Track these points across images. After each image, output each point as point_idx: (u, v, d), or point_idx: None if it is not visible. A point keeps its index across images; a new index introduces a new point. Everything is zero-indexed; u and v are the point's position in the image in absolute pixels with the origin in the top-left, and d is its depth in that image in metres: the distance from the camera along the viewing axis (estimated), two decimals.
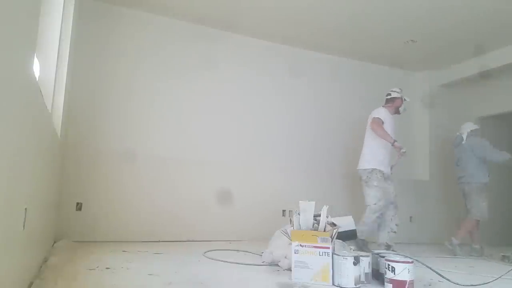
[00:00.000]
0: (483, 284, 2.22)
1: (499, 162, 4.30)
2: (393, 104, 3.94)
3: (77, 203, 3.76)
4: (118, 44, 4.18)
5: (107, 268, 2.32)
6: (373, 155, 3.77)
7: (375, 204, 3.61)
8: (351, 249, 2.50)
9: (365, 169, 3.76)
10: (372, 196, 3.64)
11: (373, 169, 3.71)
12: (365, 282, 2.18)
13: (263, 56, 4.90)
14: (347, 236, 2.85)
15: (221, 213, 4.34)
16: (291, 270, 2.30)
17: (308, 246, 2.25)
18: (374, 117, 3.76)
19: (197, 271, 2.43)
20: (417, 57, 5.27)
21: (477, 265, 3.39)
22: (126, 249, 3.14)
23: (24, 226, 1.44)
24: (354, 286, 2.11)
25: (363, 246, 3.58)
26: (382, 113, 3.81)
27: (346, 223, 2.88)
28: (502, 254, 3.87)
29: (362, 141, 4.99)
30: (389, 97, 3.98)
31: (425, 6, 3.93)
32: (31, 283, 1.81)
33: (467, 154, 4.42)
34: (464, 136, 4.52)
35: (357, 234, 3.35)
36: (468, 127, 4.53)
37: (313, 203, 2.43)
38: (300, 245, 2.27)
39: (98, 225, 3.76)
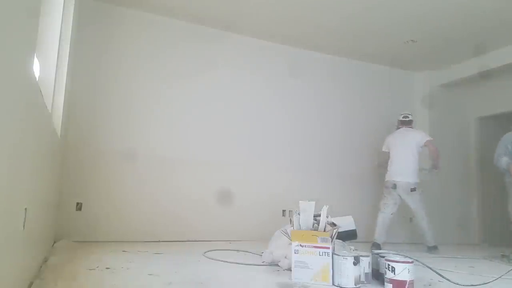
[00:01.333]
0: (483, 284, 2.22)
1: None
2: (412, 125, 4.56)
3: (77, 203, 3.76)
4: (118, 44, 4.18)
5: (107, 268, 2.32)
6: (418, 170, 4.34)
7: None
8: (351, 249, 2.49)
9: (418, 183, 4.27)
10: (425, 205, 4.27)
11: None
12: (365, 282, 2.18)
13: (263, 56, 4.90)
14: (347, 236, 2.85)
15: (221, 213, 4.34)
16: (291, 270, 2.30)
17: (308, 246, 2.25)
18: (430, 140, 4.30)
19: (197, 271, 2.43)
20: (417, 57, 5.26)
21: (477, 265, 3.38)
22: (126, 249, 3.14)
23: (24, 226, 1.44)
24: (354, 286, 2.11)
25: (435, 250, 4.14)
26: None
27: (346, 223, 2.88)
28: (502, 253, 3.85)
29: (363, 141, 5.00)
30: (407, 119, 4.51)
31: (425, 6, 3.93)
32: (31, 283, 1.81)
33: None
34: None
35: (430, 241, 4.16)
36: None
37: (313, 203, 2.43)
38: (300, 245, 2.27)
39: (98, 225, 3.76)
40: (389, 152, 4.44)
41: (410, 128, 4.46)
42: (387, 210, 4.28)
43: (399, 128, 4.53)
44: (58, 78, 2.69)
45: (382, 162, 4.53)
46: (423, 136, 4.32)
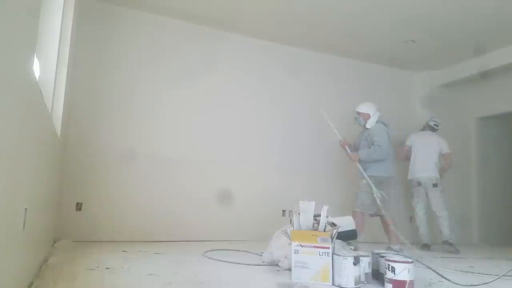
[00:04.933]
0: (483, 284, 2.22)
1: None
2: None
3: (77, 203, 3.76)
4: (118, 44, 4.18)
5: (107, 268, 2.32)
6: None
7: None
8: (351, 249, 2.49)
9: (440, 179, 4.53)
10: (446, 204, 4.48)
11: None
12: (365, 282, 2.18)
13: (263, 56, 4.90)
14: (347, 236, 2.85)
15: (221, 213, 4.34)
16: (291, 270, 2.30)
17: (308, 246, 2.25)
18: (450, 153, 4.68)
19: (197, 271, 2.43)
20: (417, 57, 5.26)
21: (477, 265, 3.38)
22: (126, 249, 3.14)
23: (24, 226, 1.44)
24: (354, 286, 2.11)
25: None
26: None
27: (346, 223, 2.88)
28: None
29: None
30: (437, 127, 4.82)
31: (425, 6, 3.93)
32: (31, 283, 1.81)
33: None
34: None
35: (449, 239, 4.26)
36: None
37: (313, 203, 2.43)
38: (300, 245, 2.27)
39: (98, 225, 3.76)
40: (410, 147, 4.78)
41: (435, 134, 4.80)
42: (419, 207, 4.59)
43: (424, 129, 4.88)
44: (58, 78, 2.69)
45: (404, 156, 4.86)
46: (446, 147, 4.68)
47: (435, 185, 4.49)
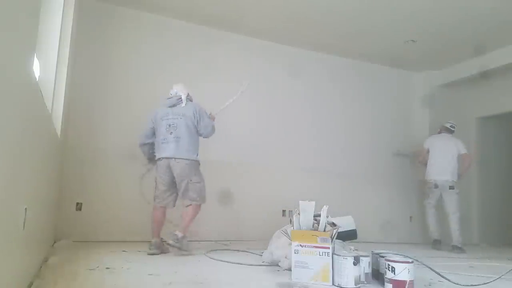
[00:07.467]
0: (483, 284, 2.22)
1: None
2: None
3: (77, 203, 3.76)
4: (118, 44, 4.18)
5: (107, 268, 2.32)
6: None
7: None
8: (351, 249, 2.49)
9: (456, 182, 4.62)
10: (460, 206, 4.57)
11: None
12: (365, 282, 2.18)
13: (263, 56, 4.90)
14: (347, 236, 2.85)
15: (221, 213, 4.34)
16: (291, 270, 2.30)
17: (308, 246, 2.25)
18: (467, 154, 4.75)
19: (197, 271, 2.44)
20: (417, 57, 5.26)
21: (477, 265, 3.38)
22: (126, 249, 3.14)
23: (24, 226, 1.44)
24: (354, 286, 2.11)
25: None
26: None
27: (346, 223, 2.88)
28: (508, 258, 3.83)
29: (363, 141, 4.95)
30: (453, 128, 4.89)
31: (425, 6, 3.93)
32: (31, 283, 1.81)
33: None
34: None
35: (458, 243, 4.34)
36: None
37: (313, 203, 2.43)
38: (300, 245, 2.27)
39: (98, 225, 3.76)
40: (428, 150, 4.86)
41: (451, 136, 4.87)
42: (429, 206, 4.72)
43: (441, 132, 4.94)
44: (58, 78, 2.69)
45: (422, 159, 4.94)
46: (462, 147, 4.74)
47: (451, 187, 4.58)
